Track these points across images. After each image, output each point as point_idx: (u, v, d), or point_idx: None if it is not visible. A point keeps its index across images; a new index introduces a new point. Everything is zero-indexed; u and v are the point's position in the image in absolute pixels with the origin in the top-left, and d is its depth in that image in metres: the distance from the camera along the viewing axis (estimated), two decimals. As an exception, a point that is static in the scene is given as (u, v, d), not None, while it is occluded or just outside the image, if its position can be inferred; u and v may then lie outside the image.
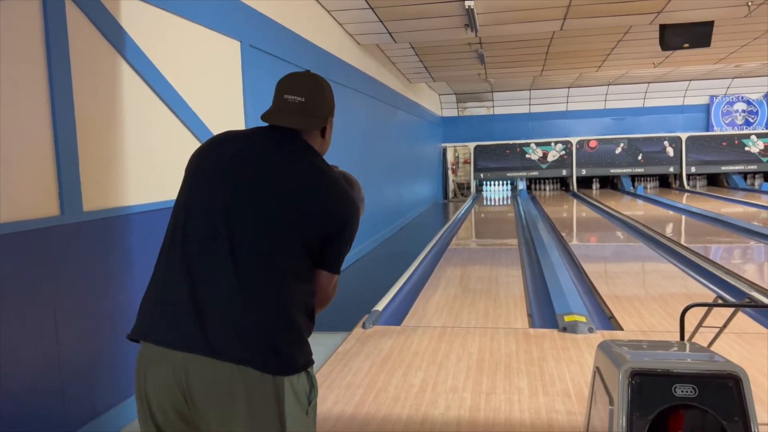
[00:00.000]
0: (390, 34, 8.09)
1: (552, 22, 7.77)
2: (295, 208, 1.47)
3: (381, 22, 7.47)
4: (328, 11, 6.97)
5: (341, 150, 7.22)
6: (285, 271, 1.44)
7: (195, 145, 3.89)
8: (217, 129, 4.16)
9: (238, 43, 4.59)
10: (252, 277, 1.41)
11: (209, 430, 1.41)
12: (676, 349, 2.15)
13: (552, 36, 9.20)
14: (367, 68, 9.09)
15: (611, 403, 1.86)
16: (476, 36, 8.22)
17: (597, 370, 2.14)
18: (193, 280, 1.41)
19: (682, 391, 1.78)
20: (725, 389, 1.77)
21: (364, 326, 4.65)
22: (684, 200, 14.58)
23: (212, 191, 1.49)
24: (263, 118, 1.59)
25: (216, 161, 1.54)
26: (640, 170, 17.94)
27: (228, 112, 4.44)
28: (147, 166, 3.39)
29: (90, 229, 2.92)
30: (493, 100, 18.47)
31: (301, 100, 1.56)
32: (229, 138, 1.59)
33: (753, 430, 1.76)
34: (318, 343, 4.31)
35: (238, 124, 4.55)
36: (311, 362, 1.49)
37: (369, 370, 3.74)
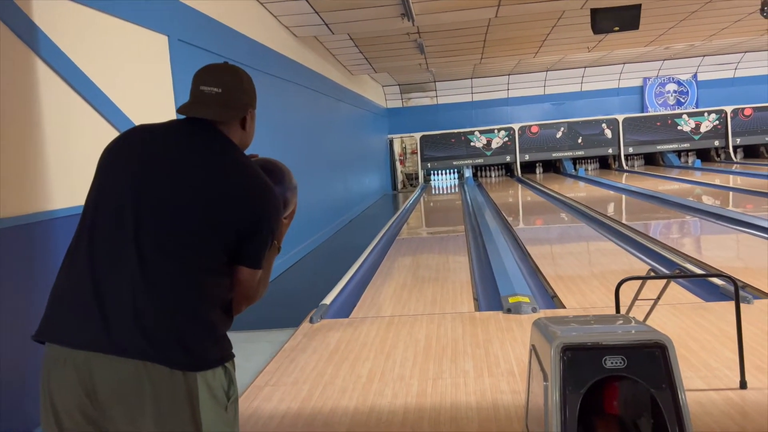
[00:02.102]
0: (327, 25, 8.01)
1: (486, 9, 7.85)
2: (208, 201, 1.43)
3: (316, 13, 7.38)
4: (261, 3, 6.84)
5: (283, 144, 7.11)
6: (196, 265, 1.39)
7: (123, 144, 3.76)
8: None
9: (166, 38, 4.45)
10: (159, 272, 1.36)
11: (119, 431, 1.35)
12: (605, 322, 2.19)
13: (488, 23, 9.30)
14: (307, 61, 8.98)
15: (545, 379, 1.89)
16: (414, 25, 8.23)
17: (533, 348, 2.17)
18: (97, 277, 1.36)
19: (612, 363, 1.82)
20: (652, 358, 1.82)
21: (311, 321, 4.60)
22: (623, 180, 15.06)
23: (121, 187, 1.44)
24: (179, 110, 1.54)
25: (127, 156, 1.49)
26: (580, 153, 18.42)
27: (158, 108, 4.29)
28: (71, 168, 3.25)
29: (9, 235, 2.77)
30: (436, 90, 18.59)
31: (218, 92, 1.52)
32: (141, 131, 1.55)
33: (680, 396, 1.81)
34: (264, 340, 4.27)
35: (170, 118, 4.41)
36: (228, 357, 1.44)
37: (316, 365, 3.70)
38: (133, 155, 1.48)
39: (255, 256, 1.49)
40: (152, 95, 4.24)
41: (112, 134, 3.66)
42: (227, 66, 1.60)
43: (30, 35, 3.02)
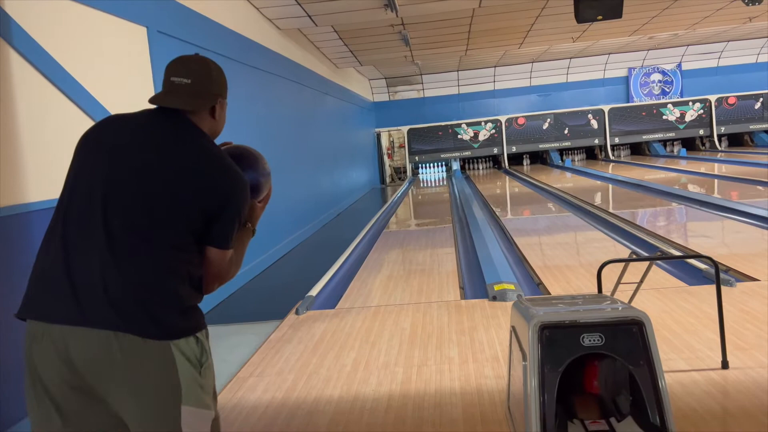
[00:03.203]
0: (310, 17, 7.96)
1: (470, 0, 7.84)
2: (175, 184, 1.50)
3: (299, 4, 7.33)
4: (243, -5, 6.79)
5: (269, 138, 7.07)
6: (163, 244, 1.46)
7: (101, 136, 3.71)
8: (125, 119, 3.97)
9: (144, 29, 4.39)
10: (126, 248, 1.44)
11: (106, 399, 1.42)
12: (583, 301, 2.19)
13: (472, 14, 9.28)
14: (291, 54, 8.92)
15: (524, 358, 1.88)
16: (397, 16, 8.20)
17: (513, 329, 2.17)
18: (69, 256, 1.44)
19: (590, 341, 1.82)
20: (630, 335, 1.82)
21: (297, 312, 4.59)
22: (610, 170, 15.13)
23: (93, 172, 1.52)
24: (151, 100, 1.61)
25: (101, 143, 1.57)
26: (567, 144, 18.49)
27: (137, 99, 4.23)
28: (47, 160, 3.20)
29: (-16, 229, 2.73)
30: (422, 83, 18.57)
31: (187, 82, 1.59)
32: (115, 120, 1.64)
33: (657, 373, 1.81)
34: (250, 332, 4.26)
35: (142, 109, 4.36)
36: (199, 328, 1.51)
37: (301, 355, 3.68)
38: (106, 142, 1.56)
39: (223, 236, 1.55)
40: (131, 87, 4.19)
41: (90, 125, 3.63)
42: (197, 57, 1.66)
43: (2, 26, 2.96)
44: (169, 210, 1.47)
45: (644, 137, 18.42)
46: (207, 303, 5.51)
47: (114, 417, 1.44)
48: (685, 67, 18.38)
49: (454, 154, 18.60)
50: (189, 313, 1.49)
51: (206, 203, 1.50)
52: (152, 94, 4.84)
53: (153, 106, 1.62)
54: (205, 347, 1.50)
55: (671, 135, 18.37)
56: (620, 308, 1.95)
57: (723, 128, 18.13)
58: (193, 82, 1.59)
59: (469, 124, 18.46)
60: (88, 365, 1.40)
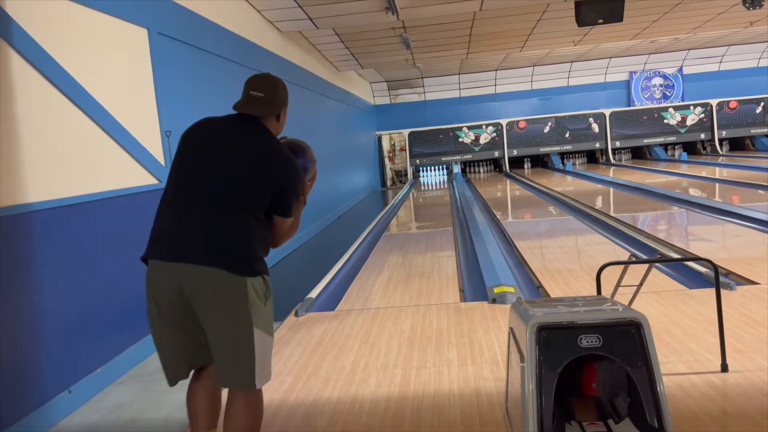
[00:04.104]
0: (311, 19, 7.97)
1: (471, 2, 7.84)
2: (252, 171, 2.11)
3: (300, 7, 7.34)
4: (245, -2, 6.80)
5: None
6: (245, 212, 2.08)
7: (100, 136, 3.72)
8: (125, 118, 3.98)
9: (145, 31, 4.40)
10: (221, 215, 2.06)
11: (200, 315, 2.04)
12: (581, 302, 2.19)
13: (473, 17, 9.30)
14: (292, 56, 8.94)
15: (522, 360, 1.88)
16: (398, 19, 8.20)
17: (511, 331, 2.16)
18: (181, 218, 2.08)
19: (588, 342, 1.82)
20: (627, 336, 1.82)
21: (296, 314, 4.58)
22: (611, 173, 15.12)
23: (196, 158, 2.16)
24: (235, 107, 2.23)
25: (199, 138, 2.21)
26: (568, 147, 18.49)
27: (137, 100, 4.25)
28: (48, 161, 3.21)
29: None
30: (423, 86, 18.58)
31: (261, 96, 2.21)
32: (210, 122, 2.26)
33: (655, 374, 1.81)
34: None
35: (149, 112, 4.37)
36: (266, 272, 2.15)
37: (300, 357, 3.68)
38: (203, 138, 2.20)
39: (283, 208, 2.19)
40: (132, 88, 4.20)
41: (91, 127, 3.64)
42: (269, 76, 2.29)
43: (4, 27, 2.97)
44: (248, 189, 2.09)
45: (645, 141, 18.41)
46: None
47: (198, 327, 2.07)
48: (686, 71, 18.39)
49: (455, 157, 18.61)
50: (259, 261, 2.12)
51: (273, 185, 2.12)
52: (152, 95, 4.84)
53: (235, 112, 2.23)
54: (268, 285, 2.14)
55: (672, 139, 18.36)
56: (618, 309, 1.95)
57: (724, 132, 18.12)
58: (265, 96, 2.21)
59: (470, 128, 18.46)
60: (190, 290, 2.02)
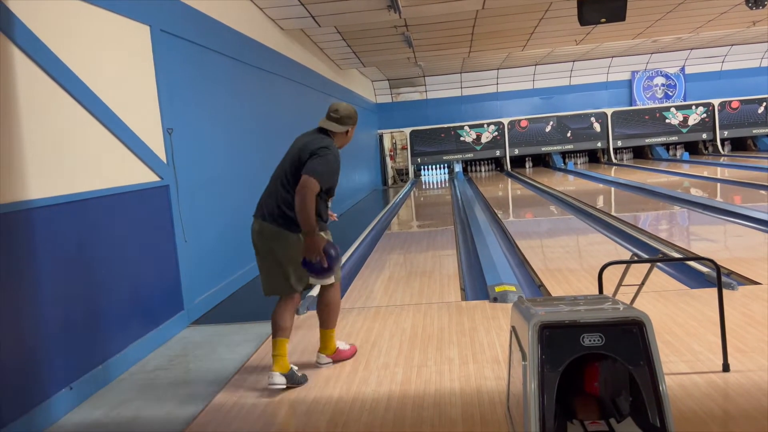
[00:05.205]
0: (313, 17, 7.96)
1: (473, 1, 7.83)
2: (297, 153, 3.24)
3: (302, 5, 7.33)
4: (247, -5, 6.79)
5: (270, 137, 7.07)
6: (290, 188, 3.20)
7: (102, 133, 3.72)
8: (127, 115, 3.98)
9: (148, 28, 4.40)
10: (278, 191, 3.24)
11: (272, 249, 3.24)
12: (584, 302, 2.18)
13: (476, 16, 9.29)
14: (294, 54, 8.93)
15: (524, 358, 1.87)
16: (401, 17, 8.19)
17: (513, 329, 2.16)
18: (268, 192, 3.30)
19: (590, 341, 1.81)
20: (630, 335, 1.81)
21: (298, 312, 4.57)
22: (612, 173, 15.10)
23: (285, 156, 3.34)
24: (320, 124, 3.37)
25: (293, 143, 3.40)
26: (569, 147, 18.47)
27: (140, 97, 4.25)
28: (49, 157, 3.21)
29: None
30: (425, 85, 18.58)
31: (336, 116, 3.33)
32: (301, 135, 3.42)
33: (658, 374, 1.80)
34: (251, 332, 4.24)
35: (152, 109, 4.36)
36: (299, 230, 3.14)
37: (301, 355, 3.68)
38: (293, 142, 3.39)
39: (310, 169, 3.11)
40: (134, 85, 4.19)
41: (93, 124, 3.63)
42: (343, 103, 3.40)
43: (7, 23, 2.97)
44: (291, 166, 3.24)
45: (647, 141, 18.39)
46: (207, 303, 5.49)
47: (276, 255, 3.23)
48: (688, 70, 18.36)
49: (456, 156, 18.60)
50: (297, 222, 3.10)
51: (304, 154, 3.21)
52: (154, 92, 4.84)
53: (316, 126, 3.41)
54: (301, 237, 3.12)
55: (674, 139, 18.34)
56: (620, 308, 1.94)
57: (726, 132, 18.10)
58: (338, 116, 3.33)
59: (471, 127, 18.45)
60: (267, 237, 3.22)
